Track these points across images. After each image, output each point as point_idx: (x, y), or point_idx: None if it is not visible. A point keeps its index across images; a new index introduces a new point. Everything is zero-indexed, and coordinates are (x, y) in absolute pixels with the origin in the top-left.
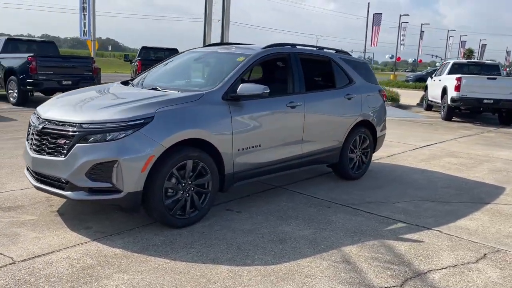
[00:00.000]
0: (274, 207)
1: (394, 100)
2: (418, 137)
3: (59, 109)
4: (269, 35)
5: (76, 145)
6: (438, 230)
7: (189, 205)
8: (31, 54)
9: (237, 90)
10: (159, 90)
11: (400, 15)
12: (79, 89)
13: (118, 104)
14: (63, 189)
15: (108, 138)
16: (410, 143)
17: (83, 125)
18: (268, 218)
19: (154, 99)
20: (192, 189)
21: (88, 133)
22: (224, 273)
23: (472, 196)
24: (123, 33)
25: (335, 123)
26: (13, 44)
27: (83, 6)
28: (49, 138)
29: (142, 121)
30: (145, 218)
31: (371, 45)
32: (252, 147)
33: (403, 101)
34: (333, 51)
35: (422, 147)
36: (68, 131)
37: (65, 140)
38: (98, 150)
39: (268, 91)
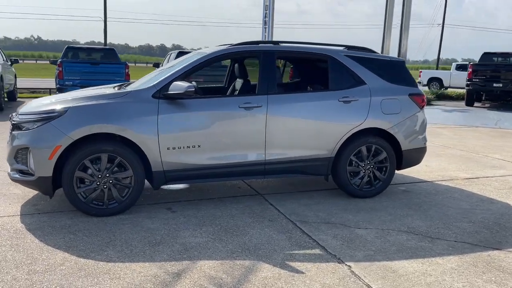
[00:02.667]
0: (215, 213)
1: None
2: None
3: (33, 102)
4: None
5: (13, 132)
6: (348, 266)
7: (106, 196)
8: None
9: (169, 88)
10: (122, 90)
11: None
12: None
13: (56, 100)
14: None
15: (31, 128)
16: None
17: (19, 116)
18: (190, 221)
19: (83, 96)
20: (110, 181)
21: (19, 122)
22: (55, 259)
23: (490, 238)
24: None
25: (320, 129)
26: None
27: (265, 20)
28: (11, 127)
29: (55, 114)
30: None
31: None
32: (188, 147)
33: None
34: (341, 48)
35: None
36: (14, 120)
37: (13, 128)
38: (21, 137)
39: (193, 89)
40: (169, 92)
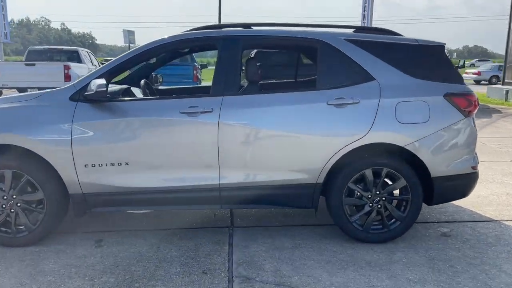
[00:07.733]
0: (146, 254)
1: None
2: None
3: None
4: None
5: None
6: None
7: (13, 222)
8: None
9: (87, 88)
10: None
11: None
12: None
13: None
14: None
15: None
16: None
17: None
18: (102, 262)
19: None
20: (18, 204)
21: None
22: None
23: None
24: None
25: (298, 144)
26: None
27: (364, 14)
28: None
29: None
30: None
31: None
32: (112, 164)
33: None
34: (347, 31)
35: None
36: None
37: None
38: None
39: (104, 89)
40: (85, 93)
